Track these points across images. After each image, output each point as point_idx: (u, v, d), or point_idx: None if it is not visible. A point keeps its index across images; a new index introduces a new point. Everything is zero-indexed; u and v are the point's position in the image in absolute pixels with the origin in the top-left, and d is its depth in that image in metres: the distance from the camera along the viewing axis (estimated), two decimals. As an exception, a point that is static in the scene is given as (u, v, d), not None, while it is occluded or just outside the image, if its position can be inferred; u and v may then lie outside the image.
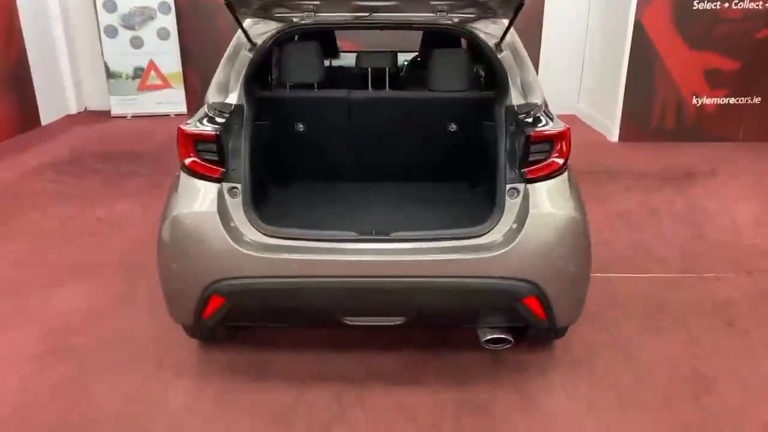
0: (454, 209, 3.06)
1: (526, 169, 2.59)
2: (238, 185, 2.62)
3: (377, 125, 3.28)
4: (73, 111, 8.50)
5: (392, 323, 2.67)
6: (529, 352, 3.03)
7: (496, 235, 2.59)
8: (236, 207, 2.62)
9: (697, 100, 6.98)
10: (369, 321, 2.72)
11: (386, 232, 2.63)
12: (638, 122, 7.03)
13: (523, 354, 3.00)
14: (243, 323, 2.96)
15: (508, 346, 2.75)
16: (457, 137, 3.32)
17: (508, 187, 2.61)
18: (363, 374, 2.91)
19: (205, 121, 2.69)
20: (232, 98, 2.81)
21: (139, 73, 8.16)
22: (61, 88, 8.26)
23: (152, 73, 8.15)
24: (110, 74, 8.12)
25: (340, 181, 3.45)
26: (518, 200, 2.61)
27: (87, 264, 4.01)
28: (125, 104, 8.24)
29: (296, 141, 3.34)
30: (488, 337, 2.72)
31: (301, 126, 3.29)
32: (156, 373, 2.92)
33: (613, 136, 7.17)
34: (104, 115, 8.35)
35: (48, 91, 7.89)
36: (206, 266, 2.56)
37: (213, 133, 2.59)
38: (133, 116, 8.28)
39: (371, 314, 2.71)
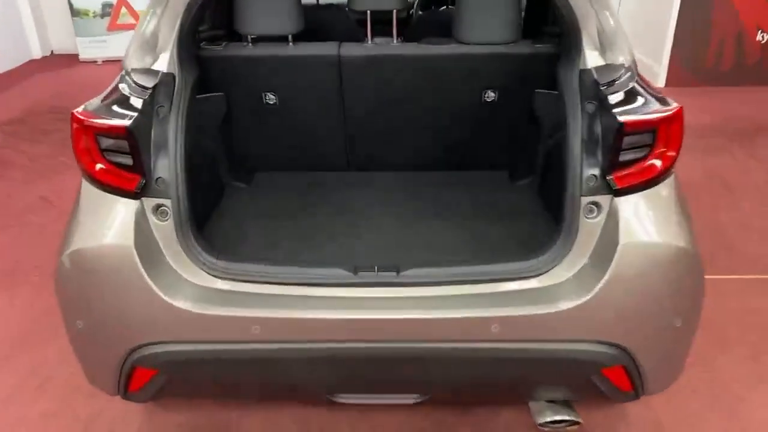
0: (492, 220, 2.15)
1: (614, 174, 1.67)
2: (167, 202, 1.71)
3: (380, 93, 2.34)
4: (37, 55, 7.46)
5: (404, 401, 1.81)
6: (590, 407, 2.16)
7: (563, 273, 1.71)
8: (166, 234, 1.73)
9: (763, 36, 5.87)
10: (369, 399, 1.86)
11: (394, 268, 1.75)
12: (690, 63, 5.99)
13: (582, 408, 2.12)
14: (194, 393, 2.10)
15: (574, 428, 1.88)
16: (495, 110, 2.38)
17: (585, 201, 1.67)
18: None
19: (115, 104, 1.73)
20: (162, 62, 1.85)
21: (108, 10, 7.10)
22: (20, 28, 7.17)
23: (123, 9, 7.08)
24: (75, 12, 7.05)
25: (328, 174, 2.59)
26: (599, 221, 1.69)
27: (12, 264, 3.15)
28: (94, 47, 7.19)
29: (264, 118, 2.43)
30: (548, 420, 1.85)
31: (272, 97, 2.35)
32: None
33: (659, 80, 6.11)
34: (72, 59, 7.31)
35: (5, 32, 6.83)
36: (123, 327, 1.70)
37: (123, 125, 1.65)
38: (104, 61, 7.25)
39: (373, 391, 1.84)
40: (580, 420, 1.91)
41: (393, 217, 2.24)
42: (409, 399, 1.85)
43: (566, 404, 1.93)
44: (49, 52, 7.64)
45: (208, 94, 2.19)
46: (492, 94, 2.33)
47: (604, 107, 1.71)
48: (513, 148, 2.52)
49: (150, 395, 1.86)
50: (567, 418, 1.89)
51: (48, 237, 3.46)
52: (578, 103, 1.76)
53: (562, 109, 1.81)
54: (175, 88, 1.82)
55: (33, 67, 7.17)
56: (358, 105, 2.37)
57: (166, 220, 1.73)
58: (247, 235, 2.13)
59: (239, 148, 2.52)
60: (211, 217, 2.25)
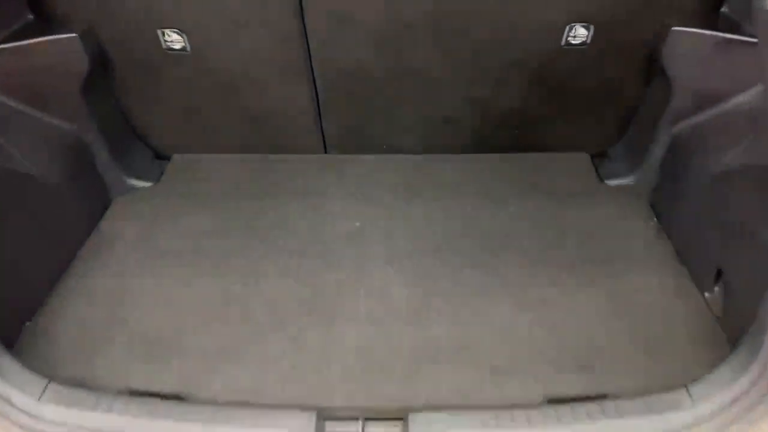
0: (572, 273, 1.26)
1: None
2: None
3: (378, 23, 1.32)
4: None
5: None
6: None
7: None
8: None
9: None
10: None
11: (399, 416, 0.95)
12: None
13: None
14: None
15: None
16: (585, 60, 1.37)
17: None
18: None
19: None
20: None
21: None
22: None
23: None
24: None
25: (289, 159, 1.62)
26: None
27: None
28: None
29: (166, 74, 1.43)
30: None
31: (176, 37, 1.32)
32: None
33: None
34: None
35: None
36: None
37: None
38: None
39: None
40: None
41: (398, 264, 1.29)
42: None
43: None
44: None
45: (45, 38, 1.17)
46: (582, 33, 1.28)
47: None
48: (607, 123, 1.48)
49: None
50: None
51: None
52: None
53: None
54: None
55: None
56: (335, 47, 1.35)
57: None
58: (128, 312, 1.18)
59: (136, 123, 1.50)
60: (72, 264, 1.28)
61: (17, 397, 0.91)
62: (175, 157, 1.61)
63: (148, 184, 1.53)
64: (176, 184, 1.53)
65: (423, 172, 1.54)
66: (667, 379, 1.00)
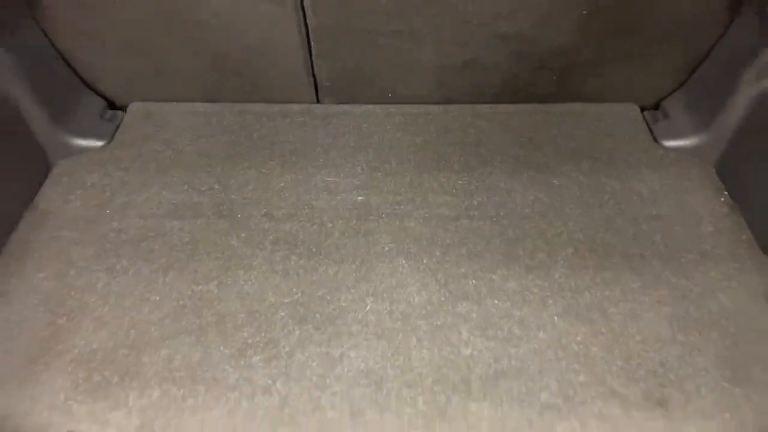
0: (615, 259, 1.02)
1: None
2: None
3: None
4: None
5: None
6: None
7: None
8: None
9: None
10: None
11: None
12: None
13: None
14: None
15: None
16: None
17: None
18: None
19: None
20: None
21: None
22: None
23: None
24: None
25: (274, 109, 1.33)
26: None
27: None
28: None
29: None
30: None
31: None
32: None
33: None
34: None
35: None
36: None
37: None
38: None
39: None
40: None
41: (411, 256, 1.03)
42: None
43: None
44: None
45: None
46: None
47: None
48: (667, 66, 1.20)
49: None
50: None
51: None
52: None
53: None
54: None
55: None
56: None
57: None
58: (65, 326, 0.92)
59: (79, 66, 1.19)
60: None
61: None
62: (132, 106, 1.30)
63: (98, 144, 1.23)
64: (133, 143, 1.23)
65: (440, 128, 1.26)
66: (764, 415, 0.79)
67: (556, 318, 0.93)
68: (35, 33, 1.14)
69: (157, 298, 0.96)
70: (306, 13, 1.13)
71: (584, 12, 1.10)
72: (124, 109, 1.30)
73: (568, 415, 0.82)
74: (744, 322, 0.92)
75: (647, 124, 1.26)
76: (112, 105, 1.31)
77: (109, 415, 0.82)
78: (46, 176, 1.16)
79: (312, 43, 1.19)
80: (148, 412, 0.82)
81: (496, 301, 0.95)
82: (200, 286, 0.97)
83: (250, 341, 0.91)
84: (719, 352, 0.88)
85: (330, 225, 1.08)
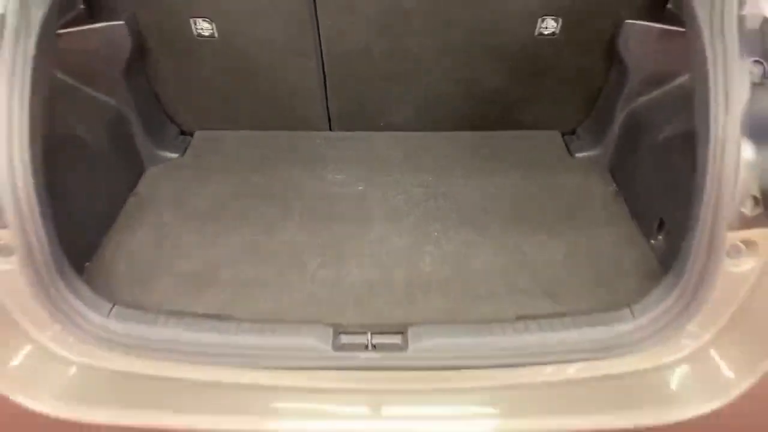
0: (542, 224, 1.52)
1: None
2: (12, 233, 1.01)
3: (378, 15, 1.57)
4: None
5: None
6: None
7: (675, 353, 1.05)
8: (10, 286, 1.03)
9: None
10: None
11: (399, 330, 1.14)
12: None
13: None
14: None
15: None
16: (555, 48, 1.62)
17: (731, 238, 0.93)
18: None
19: None
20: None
21: None
22: None
23: None
24: None
25: (299, 136, 1.84)
26: (749, 271, 0.99)
27: None
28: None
29: (196, 57, 1.66)
30: None
31: (206, 26, 1.55)
32: None
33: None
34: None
35: None
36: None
37: None
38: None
39: None
40: None
41: (395, 219, 1.52)
42: None
43: None
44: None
45: (96, 25, 1.38)
46: (552, 24, 1.52)
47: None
48: (575, 105, 1.73)
49: None
50: None
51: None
52: (736, 58, 0.97)
53: (697, 63, 1.02)
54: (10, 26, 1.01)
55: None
56: (342, 33, 1.59)
57: (8, 261, 1.00)
58: (170, 254, 1.41)
59: (166, 102, 1.72)
60: (118, 218, 1.49)
61: (90, 314, 1.12)
62: (198, 133, 1.83)
63: (172, 155, 1.75)
64: (200, 156, 1.76)
65: (417, 147, 1.78)
66: (616, 303, 1.23)
67: (488, 253, 1.41)
68: (142, 78, 1.67)
69: (224, 242, 1.44)
70: (324, 67, 1.66)
71: (509, 65, 1.64)
72: (191, 134, 1.83)
73: (491, 302, 1.28)
74: (611, 255, 1.40)
75: (565, 144, 1.78)
76: (182, 131, 1.84)
77: (198, 302, 1.28)
78: (141, 175, 1.67)
79: (327, 87, 1.71)
80: (223, 301, 1.29)
81: (448, 244, 1.43)
82: (252, 236, 1.46)
83: (286, 265, 1.38)
84: (593, 271, 1.36)
85: (339, 204, 1.57)
